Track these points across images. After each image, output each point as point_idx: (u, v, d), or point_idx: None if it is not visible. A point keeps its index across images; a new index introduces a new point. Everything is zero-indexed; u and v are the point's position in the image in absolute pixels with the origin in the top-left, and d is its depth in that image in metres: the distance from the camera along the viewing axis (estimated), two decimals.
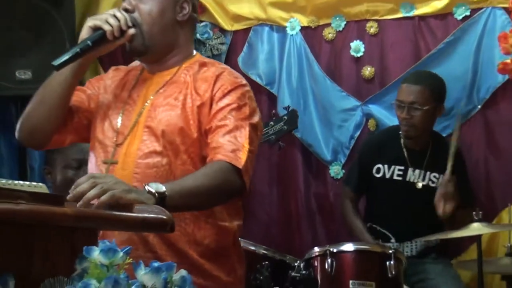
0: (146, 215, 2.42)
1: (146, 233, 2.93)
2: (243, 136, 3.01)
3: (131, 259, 2.12)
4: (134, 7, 3.08)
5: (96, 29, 3.01)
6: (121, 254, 2.09)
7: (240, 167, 2.93)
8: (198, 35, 5.31)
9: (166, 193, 2.69)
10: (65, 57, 2.97)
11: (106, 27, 2.99)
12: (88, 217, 2.28)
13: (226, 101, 3.05)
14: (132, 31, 3.04)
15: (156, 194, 2.67)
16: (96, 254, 2.08)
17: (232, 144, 2.97)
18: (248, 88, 3.16)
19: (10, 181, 2.14)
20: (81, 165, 4.22)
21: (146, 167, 3.00)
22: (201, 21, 5.41)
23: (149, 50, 3.10)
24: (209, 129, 3.02)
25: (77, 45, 3.01)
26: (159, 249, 2.98)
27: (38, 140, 3.25)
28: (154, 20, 3.10)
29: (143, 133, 3.06)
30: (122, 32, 3.02)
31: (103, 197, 2.37)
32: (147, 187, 2.68)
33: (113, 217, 2.44)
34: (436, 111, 5.00)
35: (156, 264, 2.14)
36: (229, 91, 3.06)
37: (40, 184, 2.19)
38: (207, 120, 3.03)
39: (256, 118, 3.11)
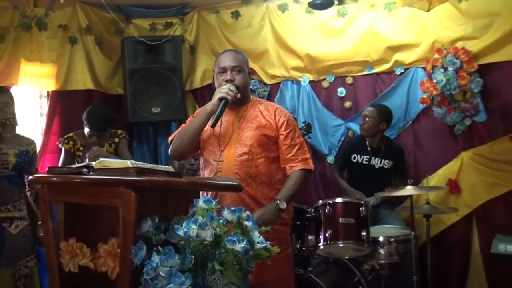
0: (226, 182, 2.51)
1: (243, 194, 3.06)
2: (305, 149, 3.23)
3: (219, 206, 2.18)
4: (234, 78, 3.15)
5: (221, 98, 3.08)
6: (214, 203, 2.16)
7: (312, 168, 3.22)
8: (251, 87, 5.28)
9: (285, 206, 3.07)
10: (215, 119, 3.06)
11: (229, 97, 3.07)
12: (195, 184, 2.35)
13: (288, 128, 3.20)
14: (239, 95, 3.13)
15: (282, 208, 3.07)
16: (200, 203, 2.15)
17: (302, 155, 3.18)
18: (291, 115, 3.30)
19: (153, 165, 2.23)
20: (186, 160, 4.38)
21: (241, 161, 3.12)
22: (252, 79, 5.41)
23: (242, 99, 3.18)
24: (284, 143, 3.18)
25: (218, 111, 3.07)
26: (250, 203, 3.10)
27: (183, 156, 3.33)
28: (244, 84, 3.21)
29: (236, 144, 3.15)
30: (235, 96, 3.11)
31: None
32: (279, 205, 3.07)
33: (209, 184, 2.54)
34: (379, 124, 4.98)
35: (233, 208, 2.20)
36: (287, 120, 3.21)
37: (169, 166, 2.27)
38: (276, 134, 3.18)
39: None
